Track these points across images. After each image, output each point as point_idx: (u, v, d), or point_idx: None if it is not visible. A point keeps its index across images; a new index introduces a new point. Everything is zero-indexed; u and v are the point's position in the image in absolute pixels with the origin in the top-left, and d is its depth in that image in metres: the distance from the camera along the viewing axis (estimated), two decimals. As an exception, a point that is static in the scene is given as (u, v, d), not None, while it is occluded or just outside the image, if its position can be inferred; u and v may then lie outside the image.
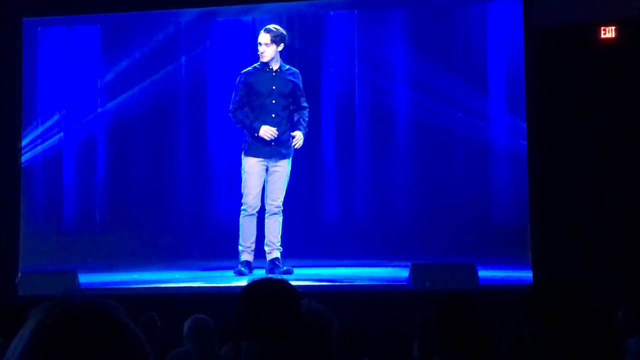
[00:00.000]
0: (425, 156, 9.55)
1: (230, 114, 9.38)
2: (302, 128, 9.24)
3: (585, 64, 9.02)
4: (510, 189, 9.30)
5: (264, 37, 9.27)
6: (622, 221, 8.75)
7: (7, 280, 9.78)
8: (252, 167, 9.26)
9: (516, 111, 9.28)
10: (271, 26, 9.35)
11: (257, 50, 9.33)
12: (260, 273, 9.09)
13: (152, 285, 9.53)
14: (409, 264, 8.93)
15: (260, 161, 9.24)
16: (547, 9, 9.12)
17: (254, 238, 9.29)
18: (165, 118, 10.13)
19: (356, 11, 9.96)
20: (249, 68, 9.39)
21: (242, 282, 8.34)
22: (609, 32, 9.03)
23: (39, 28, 10.42)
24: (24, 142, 10.21)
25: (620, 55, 8.96)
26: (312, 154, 9.58)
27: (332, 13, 9.97)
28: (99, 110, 10.23)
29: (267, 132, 9.16)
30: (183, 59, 10.11)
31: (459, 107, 9.41)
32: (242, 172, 9.30)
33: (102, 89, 10.23)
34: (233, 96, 9.35)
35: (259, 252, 9.30)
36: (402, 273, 9.03)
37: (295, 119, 9.29)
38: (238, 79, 9.36)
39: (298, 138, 9.20)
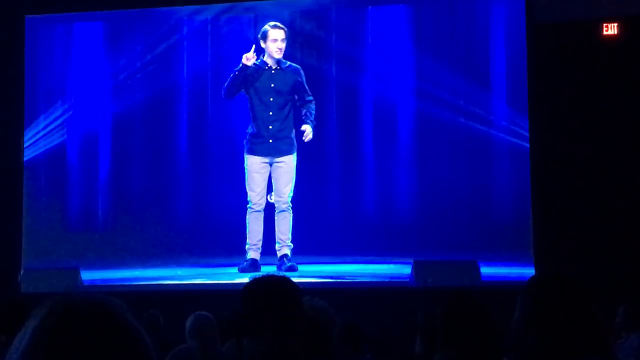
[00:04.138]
0: (427, 153, 9.55)
1: (223, 94, 9.35)
2: (309, 121, 9.21)
3: (588, 61, 9.01)
4: (512, 185, 9.29)
5: (280, 34, 9.18)
6: (624, 218, 8.74)
7: (10, 277, 9.79)
8: (253, 165, 9.26)
9: (518, 108, 9.28)
10: (277, 23, 9.30)
11: (258, 45, 9.27)
12: (267, 270, 9.06)
13: (154, 282, 9.53)
14: (412, 260, 8.93)
15: (262, 159, 9.24)
16: (549, 6, 9.11)
17: (260, 236, 9.29)
18: (168, 115, 10.13)
19: (359, 8, 9.96)
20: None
21: (245, 279, 8.31)
22: (611, 29, 9.01)
23: (41, 25, 10.42)
24: (26, 139, 10.21)
25: (622, 52, 8.95)
26: (316, 151, 9.57)
27: (334, 9, 9.96)
28: (102, 106, 10.23)
29: (248, 55, 9.01)
30: (185, 55, 10.12)
31: (461, 104, 9.41)
32: (245, 170, 9.31)
33: (105, 86, 10.23)
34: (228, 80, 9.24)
35: (271, 249, 9.31)
36: (405, 270, 9.03)
37: (303, 113, 9.27)
38: (238, 66, 9.17)
39: (308, 132, 9.17)
